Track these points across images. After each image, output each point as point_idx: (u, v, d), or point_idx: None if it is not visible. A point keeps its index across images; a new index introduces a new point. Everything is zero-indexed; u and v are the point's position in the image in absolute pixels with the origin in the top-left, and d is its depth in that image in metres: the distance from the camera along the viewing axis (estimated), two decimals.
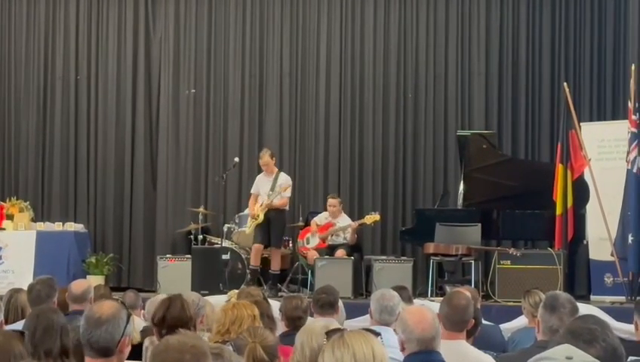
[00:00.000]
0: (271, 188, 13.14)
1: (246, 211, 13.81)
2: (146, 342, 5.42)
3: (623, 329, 8.52)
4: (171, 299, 5.55)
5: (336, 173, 15.72)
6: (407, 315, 4.87)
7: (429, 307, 5.77)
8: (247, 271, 13.32)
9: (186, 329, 5.15)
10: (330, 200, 14.00)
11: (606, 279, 12.79)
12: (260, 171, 14.28)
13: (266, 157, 13.35)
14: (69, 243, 14.16)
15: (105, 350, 4.02)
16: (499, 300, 12.31)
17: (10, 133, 16.12)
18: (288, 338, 5.64)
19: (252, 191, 13.51)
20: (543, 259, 12.48)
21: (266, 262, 13.81)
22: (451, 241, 13.11)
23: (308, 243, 13.91)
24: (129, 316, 4.13)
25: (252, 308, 5.66)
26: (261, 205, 13.08)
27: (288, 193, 13.30)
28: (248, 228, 13.26)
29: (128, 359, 4.26)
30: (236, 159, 14.21)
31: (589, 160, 12.63)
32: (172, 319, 5.36)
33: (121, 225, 15.88)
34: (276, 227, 13.25)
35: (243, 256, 13.49)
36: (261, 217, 13.01)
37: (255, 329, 4.52)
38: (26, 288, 7.19)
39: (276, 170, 13.46)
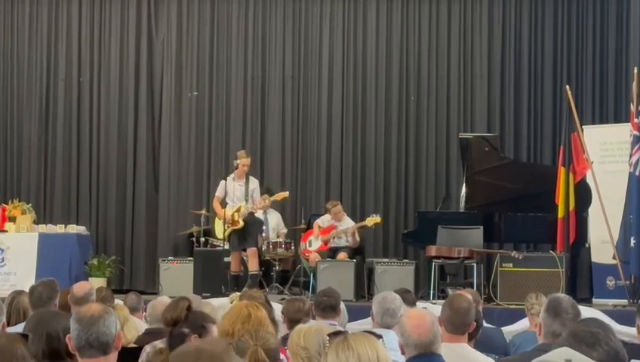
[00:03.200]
0: (245, 193, 13.11)
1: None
2: (148, 348, 5.42)
3: (625, 332, 8.51)
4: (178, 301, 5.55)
5: (339, 175, 15.72)
6: (406, 320, 4.87)
7: (431, 310, 5.76)
8: (248, 277, 13.28)
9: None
10: (335, 209, 13.97)
11: (608, 282, 12.79)
12: (262, 173, 14.35)
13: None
14: (71, 246, 14.15)
15: (105, 346, 4.03)
16: (501, 303, 12.31)
17: (13, 135, 16.13)
18: None
19: (218, 194, 13.40)
20: (545, 261, 12.48)
21: (266, 264, 13.87)
22: (453, 244, 13.11)
23: (310, 245, 13.92)
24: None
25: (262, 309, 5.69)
26: (237, 210, 13.05)
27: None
28: (222, 233, 13.19)
29: (126, 360, 4.28)
30: (237, 161, 14.17)
31: (592, 163, 12.62)
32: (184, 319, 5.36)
33: (123, 228, 15.89)
34: (255, 229, 13.31)
35: (244, 258, 13.48)
36: (241, 223, 13.02)
37: (257, 332, 4.51)
38: (27, 290, 7.19)
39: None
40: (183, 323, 5.33)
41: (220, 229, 13.36)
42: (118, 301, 8.51)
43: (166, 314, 5.43)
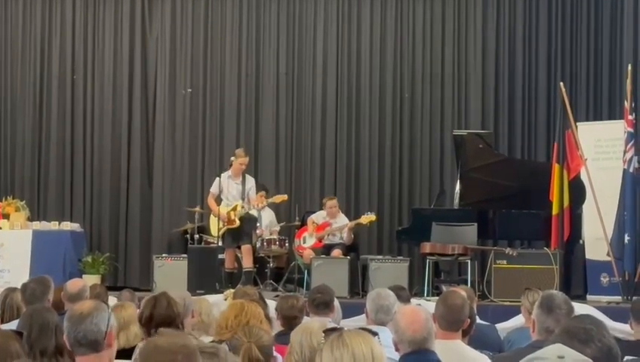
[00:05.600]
0: (242, 192, 13.08)
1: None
2: (141, 344, 5.42)
3: (619, 328, 8.51)
4: (157, 297, 5.59)
5: (333, 172, 15.72)
6: (400, 316, 4.87)
7: (425, 307, 5.76)
8: (242, 273, 13.28)
9: (174, 328, 5.18)
10: (330, 202, 13.98)
11: (602, 279, 12.80)
12: (256, 171, 14.31)
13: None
14: (65, 243, 14.12)
15: (94, 344, 4.01)
16: (495, 300, 12.31)
17: (7, 132, 16.11)
18: (284, 337, 5.64)
19: (212, 190, 13.34)
20: (539, 258, 12.48)
21: (260, 261, 13.88)
22: (448, 241, 13.11)
23: (305, 242, 13.92)
24: (110, 311, 4.17)
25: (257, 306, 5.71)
26: (233, 209, 13.03)
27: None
28: (218, 230, 13.17)
29: (122, 358, 4.26)
30: (232, 158, 14.18)
31: (586, 160, 12.63)
32: (159, 317, 5.40)
33: (117, 225, 15.88)
34: (249, 226, 13.30)
35: (239, 256, 13.48)
36: (238, 222, 13.01)
37: (250, 329, 4.51)
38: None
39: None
40: (164, 319, 5.36)
41: (215, 226, 13.35)
42: (112, 297, 8.51)
43: (150, 312, 5.46)
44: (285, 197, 13.76)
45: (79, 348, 4.03)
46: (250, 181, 13.36)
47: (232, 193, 13.15)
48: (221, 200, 13.17)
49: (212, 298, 10.29)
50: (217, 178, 13.34)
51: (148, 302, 5.62)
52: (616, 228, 12.35)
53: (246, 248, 13.16)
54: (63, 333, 4.63)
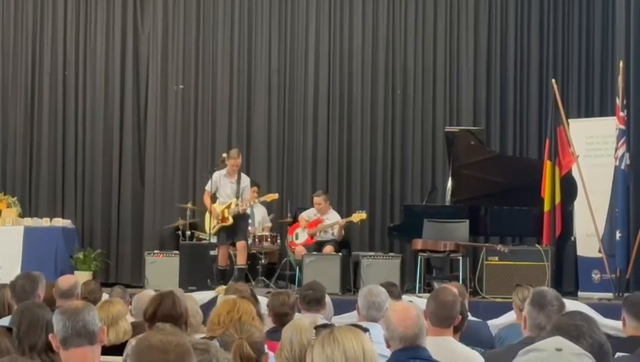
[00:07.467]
0: (236, 191, 13.09)
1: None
2: (133, 341, 5.41)
3: (610, 325, 8.53)
4: (163, 295, 5.59)
5: (325, 169, 15.71)
6: (391, 313, 4.86)
7: (417, 303, 5.76)
8: (234, 270, 13.28)
9: (177, 326, 5.18)
10: (315, 199, 14.00)
11: (594, 275, 12.80)
12: (248, 167, 14.29)
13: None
14: (57, 239, 14.13)
15: (92, 335, 4.03)
16: (486, 296, 12.32)
17: None
18: (275, 334, 5.64)
19: (208, 188, 13.32)
20: (531, 255, 12.49)
21: (252, 257, 13.86)
22: (439, 237, 13.11)
23: (297, 239, 13.92)
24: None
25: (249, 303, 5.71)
26: (227, 207, 13.03)
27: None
28: (212, 228, 13.19)
29: (112, 354, 4.27)
30: (224, 155, 14.18)
31: (577, 156, 12.64)
32: (163, 316, 5.39)
33: (109, 221, 15.86)
34: (243, 223, 13.29)
35: (231, 252, 13.48)
36: (231, 220, 13.01)
37: (242, 326, 4.50)
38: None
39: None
40: (168, 318, 5.35)
41: (209, 224, 13.36)
42: (103, 294, 8.50)
43: (154, 310, 5.46)
44: (276, 196, 13.79)
45: (77, 338, 4.02)
46: (245, 180, 13.37)
47: (227, 191, 13.17)
48: (217, 198, 13.18)
49: (204, 294, 10.31)
50: (216, 173, 13.31)
51: (154, 299, 5.61)
52: (607, 225, 12.36)
53: (241, 245, 13.15)
54: (54, 329, 4.63)
